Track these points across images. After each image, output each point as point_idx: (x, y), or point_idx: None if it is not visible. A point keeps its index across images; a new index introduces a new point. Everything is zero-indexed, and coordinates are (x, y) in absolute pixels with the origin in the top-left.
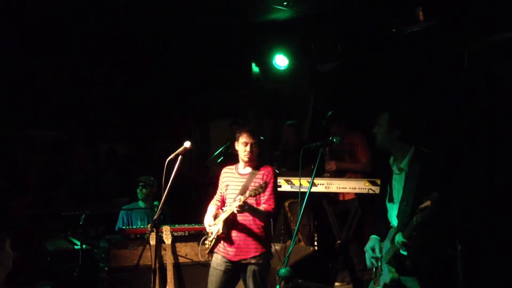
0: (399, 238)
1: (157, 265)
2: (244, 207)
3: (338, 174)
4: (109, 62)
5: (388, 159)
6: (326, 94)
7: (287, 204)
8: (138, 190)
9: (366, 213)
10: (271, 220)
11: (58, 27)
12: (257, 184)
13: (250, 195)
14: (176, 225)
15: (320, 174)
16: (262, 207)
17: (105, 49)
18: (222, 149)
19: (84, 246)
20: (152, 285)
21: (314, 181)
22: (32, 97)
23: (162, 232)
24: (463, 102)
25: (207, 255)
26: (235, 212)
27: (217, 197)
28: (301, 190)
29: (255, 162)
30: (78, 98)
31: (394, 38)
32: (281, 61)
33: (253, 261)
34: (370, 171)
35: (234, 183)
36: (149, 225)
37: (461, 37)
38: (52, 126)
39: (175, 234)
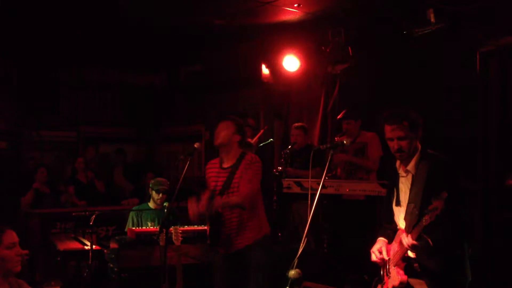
0: (407, 239)
1: (166, 266)
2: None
3: (347, 172)
4: (120, 64)
5: (394, 161)
6: (337, 95)
7: (296, 206)
8: (155, 195)
9: (376, 214)
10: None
11: (70, 29)
12: (237, 178)
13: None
14: (186, 226)
15: (329, 171)
16: (234, 197)
17: (115, 51)
18: None
19: (94, 246)
20: (161, 286)
21: (324, 183)
22: (41, 98)
23: (171, 233)
24: (475, 103)
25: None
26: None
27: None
28: (311, 192)
29: (235, 151)
30: (87, 98)
31: (405, 39)
32: (291, 63)
33: (246, 249)
34: (377, 170)
35: (219, 181)
36: (158, 226)
37: (473, 39)
38: (62, 128)
39: (185, 235)
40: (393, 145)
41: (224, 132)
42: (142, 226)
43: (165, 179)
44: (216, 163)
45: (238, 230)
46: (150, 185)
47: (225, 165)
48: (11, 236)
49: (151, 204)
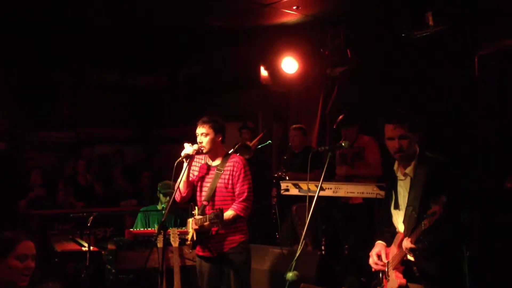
0: (406, 243)
1: (164, 268)
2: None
3: (348, 178)
4: (119, 65)
5: (392, 164)
6: (336, 98)
7: (294, 208)
8: (163, 198)
9: (375, 217)
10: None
11: (70, 30)
12: (223, 182)
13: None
14: (184, 228)
15: (329, 178)
16: (230, 212)
17: (116, 53)
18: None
19: (91, 248)
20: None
21: (322, 185)
22: (41, 98)
23: (169, 235)
24: (474, 106)
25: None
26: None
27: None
28: (309, 194)
29: (220, 151)
30: (88, 99)
31: (404, 42)
32: (290, 65)
33: (231, 251)
34: (380, 174)
35: (206, 179)
36: (156, 228)
37: (471, 42)
38: (61, 128)
39: (182, 237)
40: (394, 144)
41: (206, 140)
42: (149, 228)
43: (167, 182)
44: (201, 158)
45: (226, 234)
46: (158, 188)
47: (211, 163)
48: (26, 248)
49: (159, 206)
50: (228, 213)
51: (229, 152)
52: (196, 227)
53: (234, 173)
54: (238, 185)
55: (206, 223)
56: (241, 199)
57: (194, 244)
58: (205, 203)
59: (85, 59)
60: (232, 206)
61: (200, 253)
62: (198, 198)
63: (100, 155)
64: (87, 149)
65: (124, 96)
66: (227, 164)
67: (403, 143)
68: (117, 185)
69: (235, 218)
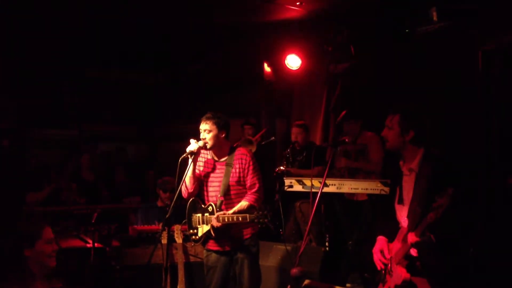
0: (411, 237)
1: (168, 264)
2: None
3: (351, 174)
4: (122, 62)
5: (398, 160)
6: (339, 94)
7: (298, 204)
8: (162, 194)
9: (378, 213)
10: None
11: (70, 28)
12: (235, 176)
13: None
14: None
15: (332, 174)
16: (244, 203)
17: (118, 50)
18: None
19: (95, 244)
20: (163, 284)
21: (326, 181)
22: (44, 96)
23: (173, 231)
24: (477, 102)
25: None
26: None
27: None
28: (313, 190)
29: (225, 146)
30: (90, 97)
31: (407, 38)
32: (293, 61)
33: (246, 242)
34: (380, 171)
35: (213, 174)
36: (160, 224)
37: (475, 37)
38: (64, 125)
39: (186, 233)
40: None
41: (209, 136)
42: (149, 224)
43: (172, 178)
44: (206, 153)
45: (242, 227)
46: (158, 185)
47: (218, 158)
48: (49, 232)
49: (159, 203)
50: (243, 204)
51: (234, 146)
52: (219, 224)
53: (244, 166)
54: (248, 177)
55: (243, 221)
56: (253, 190)
57: (206, 240)
58: (221, 198)
59: (87, 57)
60: (246, 197)
61: (215, 248)
62: (205, 193)
63: (102, 152)
64: (90, 146)
65: (126, 94)
66: (235, 158)
67: (387, 133)
68: (119, 183)
69: (249, 209)
